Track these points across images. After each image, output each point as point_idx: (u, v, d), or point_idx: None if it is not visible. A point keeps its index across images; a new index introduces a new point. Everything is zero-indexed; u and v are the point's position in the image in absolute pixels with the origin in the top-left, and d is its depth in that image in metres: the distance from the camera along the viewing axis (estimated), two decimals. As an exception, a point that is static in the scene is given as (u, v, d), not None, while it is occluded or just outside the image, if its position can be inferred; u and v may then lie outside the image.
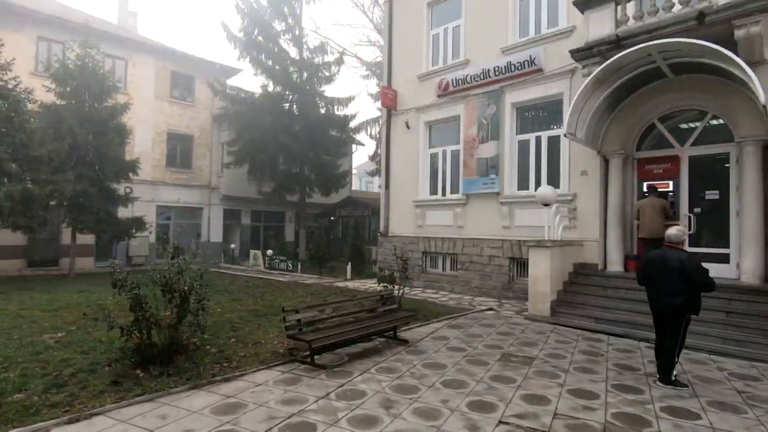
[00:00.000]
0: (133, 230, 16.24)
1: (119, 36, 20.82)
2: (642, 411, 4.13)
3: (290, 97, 21.60)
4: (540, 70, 10.09)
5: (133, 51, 21.29)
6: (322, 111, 22.21)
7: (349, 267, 15.13)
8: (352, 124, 23.59)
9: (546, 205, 8.57)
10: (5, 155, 10.89)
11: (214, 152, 24.32)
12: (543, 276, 8.11)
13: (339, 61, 21.44)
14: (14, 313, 7.88)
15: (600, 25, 8.16)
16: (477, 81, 11.22)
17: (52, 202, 12.94)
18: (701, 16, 6.88)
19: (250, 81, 78.88)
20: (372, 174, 31.55)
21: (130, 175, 16.53)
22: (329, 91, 24.80)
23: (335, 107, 22.82)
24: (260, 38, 21.03)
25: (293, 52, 21.98)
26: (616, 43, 7.77)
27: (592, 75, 7.66)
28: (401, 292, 8.75)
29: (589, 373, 5.15)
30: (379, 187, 35.06)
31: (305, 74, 21.30)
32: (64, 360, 5.15)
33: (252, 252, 19.88)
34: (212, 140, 24.26)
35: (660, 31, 7.29)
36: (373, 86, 37.74)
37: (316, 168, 21.60)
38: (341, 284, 13.44)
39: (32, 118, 11.65)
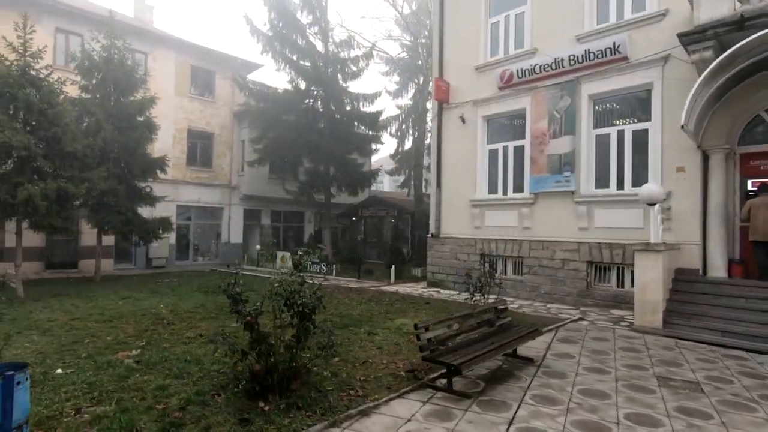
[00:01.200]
0: (160, 231, 15.35)
1: (140, 29, 19.95)
2: None
3: (316, 92, 20.74)
4: (624, 58, 9.31)
5: (153, 45, 20.45)
6: (347, 108, 21.38)
7: (393, 270, 14.31)
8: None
9: (651, 204, 7.78)
10: (38, 150, 10.01)
11: (234, 150, 23.51)
12: (653, 283, 7.31)
13: (368, 55, 20.62)
14: (66, 324, 7.04)
15: (714, 5, 7.38)
16: (547, 71, 10.43)
17: (77, 202, 12.08)
18: None
19: (272, 77, 77.59)
20: (391, 173, 30.78)
21: (158, 172, 15.70)
22: (353, 87, 23.99)
23: (360, 103, 22.02)
24: (286, 31, 20.18)
25: (319, 46, 21.13)
26: (739, 24, 7.00)
27: (717, 60, 6.87)
28: (486, 300, 7.95)
29: (781, 402, 4.37)
30: (398, 187, 34.32)
31: (330, 69, 20.40)
32: (161, 388, 4.32)
33: (280, 254, 19.01)
34: (232, 138, 23.45)
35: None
36: (390, 84, 37.04)
37: (343, 167, 20.76)
38: (389, 288, 12.63)
39: (67, 110, 10.76)
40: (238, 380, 4.21)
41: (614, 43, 9.37)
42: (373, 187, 42.03)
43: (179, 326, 7.09)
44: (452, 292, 11.86)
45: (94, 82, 14.59)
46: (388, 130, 28.51)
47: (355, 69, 21.13)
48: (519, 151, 11.31)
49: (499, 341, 4.98)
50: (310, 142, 20.05)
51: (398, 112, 30.88)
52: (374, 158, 33.80)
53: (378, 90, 22.90)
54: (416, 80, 31.31)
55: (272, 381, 4.15)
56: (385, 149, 37.91)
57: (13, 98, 10.09)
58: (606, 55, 9.50)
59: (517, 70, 10.98)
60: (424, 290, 12.15)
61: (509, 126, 11.65)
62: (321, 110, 21.02)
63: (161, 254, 20.48)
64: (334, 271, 16.27)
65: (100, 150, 12.26)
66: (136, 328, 6.86)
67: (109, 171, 12.83)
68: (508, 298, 10.78)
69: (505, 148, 11.58)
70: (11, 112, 10.23)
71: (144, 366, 4.96)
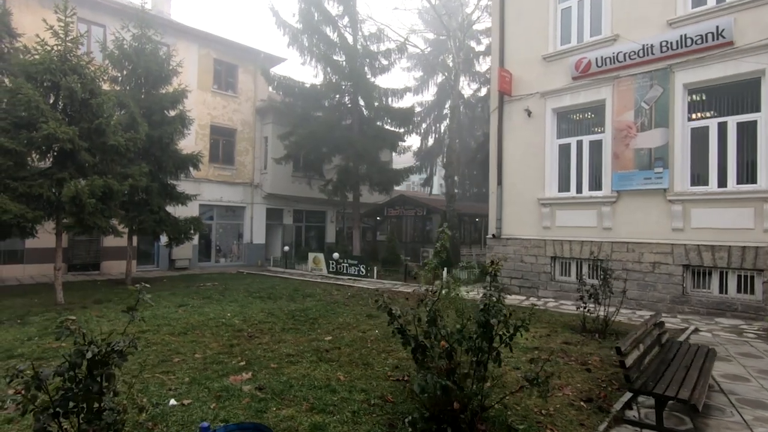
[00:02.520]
0: (191, 231, 14.47)
1: (161, 20, 19.05)
2: None
3: (344, 87, 19.88)
4: (729, 43, 8.54)
5: (174, 36, 19.59)
6: (376, 103, 20.54)
7: (445, 273, 13.49)
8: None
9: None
10: (82, 144, 9.12)
11: (257, 147, 22.65)
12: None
13: (401, 48, 19.78)
14: (138, 338, 6.18)
15: None
16: (633, 59, 9.65)
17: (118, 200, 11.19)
18: None
19: (295, 72, 76.03)
20: (413, 171, 29.98)
21: (190, 169, 14.84)
22: (379, 82, 23.00)
23: (389, 99, 21.20)
24: (316, 22, 19.33)
25: (348, 39, 20.27)
26: None
27: None
28: (605, 313, 7.17)
29: None
30: (421, 185, 33.41)
31: (358, 63, 19.51)
32: (318, 427, 3.49)
33: (311, 255, 18.16)
34: (254, 135, 22.59)
35: None
36: (410, 79, 36.13)
37: (373, 164, 19.91)
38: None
39: (112, 99, 9.89)
40: (408, 417, 3.37)
41: (717, 27, 8.59)
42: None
43: (265, 340, 6.25)
44: (519, 297, 11.07)
45: (124, 72, 13.74)
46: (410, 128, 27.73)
47: (385, 63, 20.32)
48: (595, 146, 10.53)
49: (696, 365, 4.18)
50: (342, 138, 19.22)
51: (419, 108, 30.22)
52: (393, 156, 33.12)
53: (408, 85, 22.03)
54: (435, 77, 30.65)
55: (465, 419, 3.33)
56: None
57: (54, 86, 9.22)
58: (707, 41, 8.72)
59: (597, 59, 10.19)
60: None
61: (583, 119, 10.87)
62: (350, 106, 20.22)
63: (185, 255, 19.63)
64: (375, 274, 15.44)
65: (142, 144, 11.36)
66: (220, 343, 6.01)
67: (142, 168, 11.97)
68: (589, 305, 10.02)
69: (579, 143, 10.79)
70: (51, 101, 9.36)
71: (271, 395, 4.12)
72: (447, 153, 21.72)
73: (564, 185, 11.03)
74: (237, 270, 18.85)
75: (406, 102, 46.55)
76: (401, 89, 22.23)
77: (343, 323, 7.49)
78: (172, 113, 14.36)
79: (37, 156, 9.16)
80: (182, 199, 14.85)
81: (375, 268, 15.66)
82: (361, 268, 15.94)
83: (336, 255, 16.71)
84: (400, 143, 21.34)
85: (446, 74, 26.32)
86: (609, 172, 10.08)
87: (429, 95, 29.50)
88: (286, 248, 20.34)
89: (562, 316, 8.50)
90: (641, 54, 9.55)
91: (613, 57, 9.95)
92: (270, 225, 23.36)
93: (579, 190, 10.74)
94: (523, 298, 10.95)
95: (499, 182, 12.03)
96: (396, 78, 70.39)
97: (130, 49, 13.68)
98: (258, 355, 5.44)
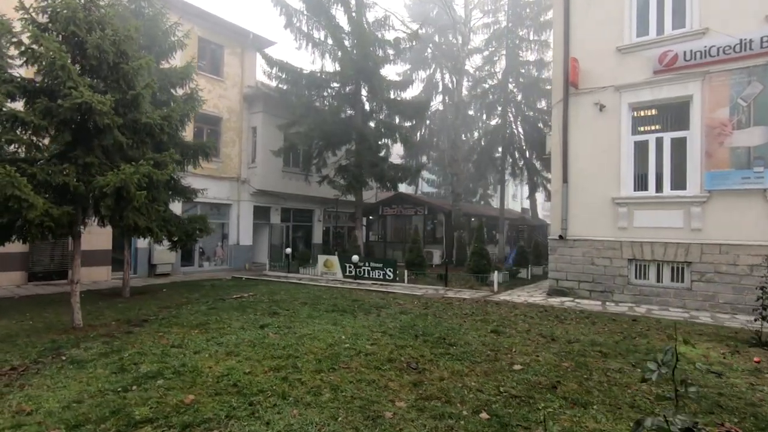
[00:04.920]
0: (198, 232, 12.36)
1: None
2: None
3: (348, 75, 18.31)
4: (840, 41, 8.39)
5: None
6: (384, 95, 19.22)
7: (495, 276, 12.55)
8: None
9: None
10: (117, 119, 7.02)
11: (244, 139, 20.43)
12: None
13: (413, 37, 18.51)
14: (237, 378, 4.53)
15: None
16: (728, 54, 9.30)
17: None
18: None
19: (288, 57, 70.44)
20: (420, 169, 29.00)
21: (200, 160, 12.69)
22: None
23: (392, 92, 19.95)
24: (324, 2, 17.64)
25: (349, 26, 18.71)
26: None
27: None
28: None
29: None
30: (412, 184, 32.33)
31: (369, 49, 18.09)
32: None
33: (323, 257, 16.46)
34: (242, 124, 20.36)
35: None
36: (392, 75, 34.70)
37: (384, 159, 18.57)
38: (505, 298, 10.93)
39: (150, 64, 7.81)
40: None
41: (829, 23, 8.42)
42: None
43: (442, 374, 4.87)
44: (593, 302, 10.40)
45: (122, 39, 11.36)
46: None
47: (393, 52, 19.01)
48: (678, 144, 10.10)
49: None
50: (351, 130, 17.69)
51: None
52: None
53: (410, 78, 20.91)
54: (420, 71, 29.78)
55: None
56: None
57: (78, 45, 7.02)
58: (815, 37, 8.53)
59: (684, 53, 9.75)
60: (556, 300, 10.57)
61: (663, 115, 10.41)
62: (357, 96, 18.69)
63: (166, 260, 17.12)
64: (405, 278, 14.17)
65: (174, 123, 9.26)
66: (402, 383, 4.55)
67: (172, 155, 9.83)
68: (673, 309, 9.56)
69: (659, 140, 10.32)
70: (77, 63, 7.15)
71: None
72: (452, 150, 20.92)
73: (640, 184, 10.52)
74: (231, 276, 16.69)
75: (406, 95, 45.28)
76: (402, 81, 21.12)
77: (489, 344, 6.24)
78: (180, 92, 12.20)
79: (54, 133, 6.90)
80: (187, 194, 12.74)
81: (405, 271, 14.36)
82: (388, 272, 14.59)
83: (355, 257, 15.19)
84: (413, 137, 20.12)
85: (442, 69, 25.59)
86: (698, 171, 9.67)
87: (415, 90, 28.50)
88: (288, 250, 18.41)
89: (693, 326, 7.83)
90: (737, 49, 9.21)
91: (704, 51, 9.55)
92: (257, 225, 21.19)
93: (659, 189, 10.27)
94: (598, 303, 10.29)
95: (565, 180, 11.31)
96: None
97: (127, 12, 11.39)
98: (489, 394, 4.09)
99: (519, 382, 4.62)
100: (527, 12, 24.01)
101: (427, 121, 28.94)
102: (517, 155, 24.21)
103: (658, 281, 10.22)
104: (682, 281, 9.90)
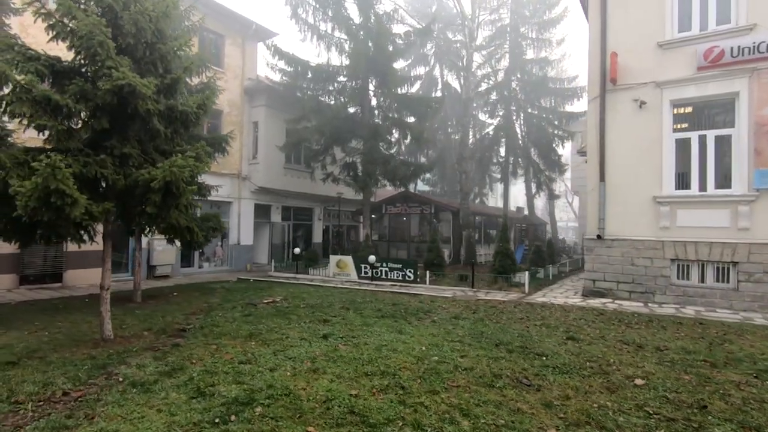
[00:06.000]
0: (213, 231, 11.55)
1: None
2: None
3: (355, 69, 17.67)
4: None
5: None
6: (393, 90, 18.63)
7: (526, 277, 12.17)
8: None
9: None
10: (155, 106, 6.22)
11: (245, 134, 19.50)
12: None
13: (425, 32, 17.97)
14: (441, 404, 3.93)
15: None
16: (778, 50, 9.15)
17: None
18: None
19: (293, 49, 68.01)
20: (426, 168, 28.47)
21: (216, 156, 11.85)
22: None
23: (400, 87, 19.38)
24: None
25: (357, 18, 18.05)
26: None
27: None
28: None
29: None
30: (411, 183, 31.68)
31: (382, 43, 17.49)
32: None
33: (335, 258, 15.75)
34: (243, 118, 19.43)
35: None
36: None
37: (395, 156, 18.01)
38: (542, 299, 10.58)
39: (188, 42, 7.03)
40: None
41: None
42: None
43: (578, 404, 4.37)
44: (634, 303, 10.13)
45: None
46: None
47: (403, 46, 18.43)
48: (722, 141, 9.92)
49: None
50: (362, 126, 17.03)
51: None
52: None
53: (419, 73, 20.38)
54: (418, 67, 29.30)
55: None
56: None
57: (114, 20, 6.18)
58: None
59: (731, 49, 9.56)
60: (596, 302, 10.25)
61: (707, 112, 10.22)
62: (365, 90, 18.04)
63: (166, 261, 16.16)
64: (427, 279, 13.64)
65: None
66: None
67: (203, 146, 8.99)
68: (720, 310, 9.36)
69: (702, 138, 10.11)
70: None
71: None
72: (460, 147, 20.51)
73: (682, 182, 10.30)
74: (237, 278, 15.78)
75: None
76: (410, 77, 20.60)
77: (577, 353, 5.77)
78: (195, 81, 11.33)
79: (88, 119, 6.05)
80: (202, 191, 11.82)
81: (427, 272, 13.84)
82: (408, 273, 14.04)
83: (372, 258, 14.58)
84: (424, 134, 19.54)
85: (442, 66, 25.17)
86: (746, 170, 9.49)
87: (413, 87, 27.96)
88: (296, 250, 17.60)
89: (763, 329, 7.58)
90: (789, 45, 9.06)
91: (753, 47, 9.38)
92: (257, 223, 20.28)
93: (702, 188, 10.06)
94: (640, 304, 10.02)
95: (602, 178, 11.01)
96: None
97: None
98: None
99: (659, 401, 4.16)
100: (530, 10, 23.87)
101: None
102: (519, 153, 24.01)
103: (700, 282, 10.02)
104: (727, 282, 9.73)
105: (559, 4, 23.51)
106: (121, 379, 4.59)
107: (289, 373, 4.70)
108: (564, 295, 11.51)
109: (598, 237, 10.99)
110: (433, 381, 4.50)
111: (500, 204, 41.46)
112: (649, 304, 10.07)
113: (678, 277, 10.28)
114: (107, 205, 5.63)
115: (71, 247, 13.36)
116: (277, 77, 18.47)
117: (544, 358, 5.54)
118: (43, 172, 4.52)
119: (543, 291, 12.23)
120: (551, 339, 6.54)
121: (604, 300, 10.56)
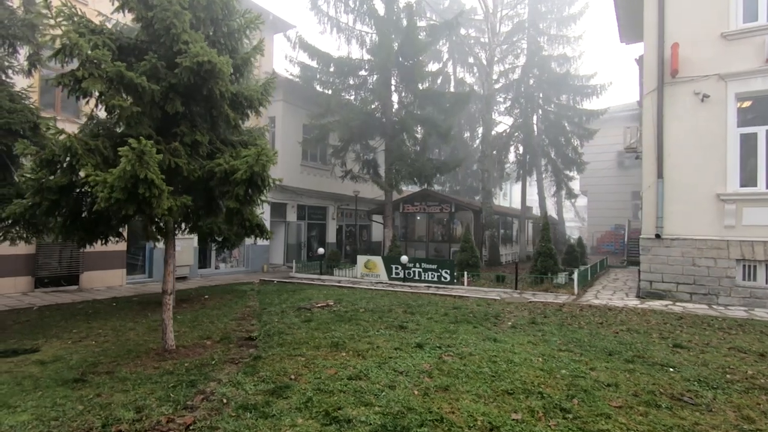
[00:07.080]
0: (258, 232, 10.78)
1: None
2: None
3: (375, 63, 17.04)
4: None
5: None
6: (419, 86, 18.02)
7: (576, 277, 11.66)
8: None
9: None
10: (230, 88, 5.54)
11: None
12: None
13: (450, 25, 17.37)
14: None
15: None
16: None
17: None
18: None
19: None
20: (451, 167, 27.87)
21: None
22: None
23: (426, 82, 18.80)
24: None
25: (380, 10, 17.43)
26: None
27: None
28: None
29: None
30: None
31: (409, 36, 16.87)
32: None
33: (363, 258, 15.10)
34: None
35: None
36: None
37: (422, 153, 17.38)
38: (596, 301, 10.09)
39: (254, 21, 6.37)
40: None
41: None
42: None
43: None
44: (697, 305, 9.68)
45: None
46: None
47: (428, 39, 17.81)
48: (792, 137, 9.53)
49: None
50: (388, 122, 16.41)
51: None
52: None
53: (431, 69, 19.81)
54: (435, 64, 28.77)
55: None
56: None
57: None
58: None
59: (804, 39, 9.18)
60: (657, 303, 9.78)
61: (774, 106, 9.83)
62: (388, 85, 17.40)
63: (185, 261, 15.40)
64: (465, 280, 13.08)
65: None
66: None
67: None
68: (795, 313, 8.93)
69: (770, 133, 9.72)
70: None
71: None
72: (482, 145, 20.00)
73: (747, 179, 9.88)
74: (259, 279, 15.04)
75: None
76: (434, 72, 20.02)
77: (699, 363, 5.24)
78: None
79: (160, 101, 5.33)
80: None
81: (465, 274, 13.27)
82: (444, 273, 13.46)
83: (404, 258, 13.96)
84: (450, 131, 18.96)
85: (455, 62, 24.64)
86: (820, 166, 9.11)
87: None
88: (321, 250, 16.89)
89: None
90: None
91: (827, 38, 9.00)
92: (273, 222, 19.52)
93: (770, 185, 9.66)
94: (704, 306, 9.57)
95: (660, 175, 10.55)
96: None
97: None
98: None
99: None
100: (549, 5, 23.47)
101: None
102: (537, 151, 23.58)
103: (767, 282, 9.60)
104: (798, 283, 9.33)
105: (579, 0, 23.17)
106: (224, 401, 3.92)
107: (416, 392, 4.08)
108: (616, 296, 11.03)
109: (656, 236, 10.53)
110: (591, 401, 3.92)
111: (505, 203, 41.19)
112: (714, 306, 9.63)
113: (746, 278, 9.85)
114: (185, 198, 4.94)
115: (89, 247, 12.61)
116: (296, 71, 17.76)
117: (671, 369, 4.99)
118: (131, 157, 3.84)
119: (591, 292, 11.74)
120: (656, 347, 6.00)
121: (664, 302, 10.09)
